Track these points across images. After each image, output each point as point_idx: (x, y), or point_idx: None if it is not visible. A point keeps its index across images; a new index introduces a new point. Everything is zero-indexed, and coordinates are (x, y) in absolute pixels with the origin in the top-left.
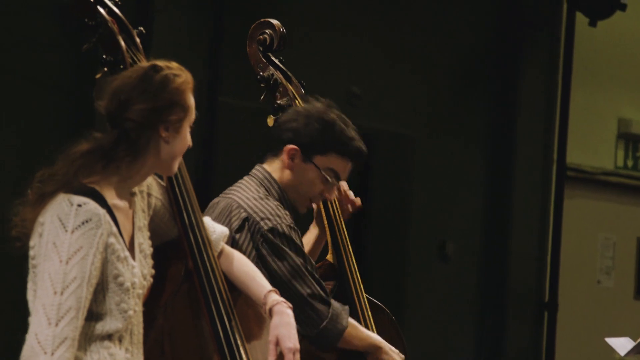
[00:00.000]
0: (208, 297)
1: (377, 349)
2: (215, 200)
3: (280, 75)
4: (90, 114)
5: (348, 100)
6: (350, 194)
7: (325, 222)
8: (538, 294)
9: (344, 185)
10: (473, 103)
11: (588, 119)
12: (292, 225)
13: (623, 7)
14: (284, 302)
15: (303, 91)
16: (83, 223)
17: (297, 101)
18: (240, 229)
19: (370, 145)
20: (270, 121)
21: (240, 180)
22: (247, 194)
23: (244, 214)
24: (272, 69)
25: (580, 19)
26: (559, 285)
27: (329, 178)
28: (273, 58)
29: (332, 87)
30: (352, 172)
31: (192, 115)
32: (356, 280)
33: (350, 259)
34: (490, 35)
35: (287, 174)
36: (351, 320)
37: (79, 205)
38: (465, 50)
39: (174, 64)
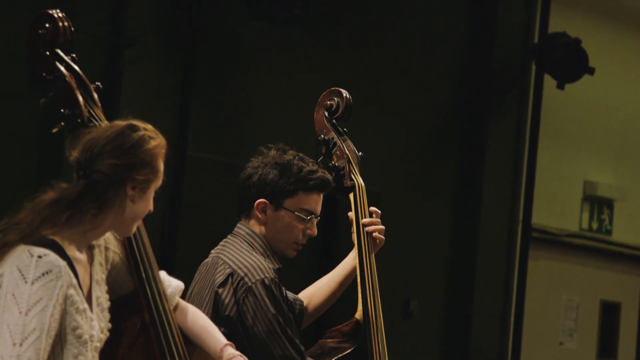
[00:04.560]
0: (164, 351)
1: None
2: (205, 260)
3: (340, 141)
4: (55, 165)
5: (315, 157)
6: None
7: (359, 281)
8: (501, 354)
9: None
10: (440, 162)
11: (554, 181)
12: (274, 278)
13: (591, 71)
14: (240, 356)
15: (359, 158)
16: (43, 274)
17: (352, 165)
18: (223, 284)
19: (336, 201)
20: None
21: (224, 239)
22: (232, 250)
23: (228, 270)
24: (333, 134)
25: (549, 81)
26: (522, 345)
27: (304, 217)
28: (337, 125)
29: (298, 144)
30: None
31: (160, 180)
32: (380, 343)
33: (377, 321)
34: (459, 95)
35: (265, 228)
36: None
37: (40, 257)
38: (433, 109)
39: (150, 127)
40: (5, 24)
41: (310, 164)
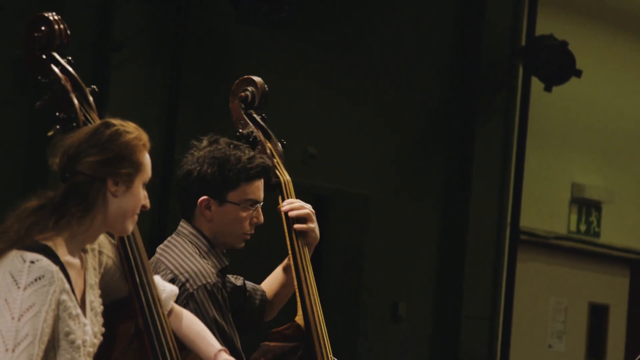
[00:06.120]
0: (158, 356)
1: None
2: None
3: (260, 134)
4: (43, 170)
5: (304, 160)
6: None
7: (295, 283)
8: (489, 357)
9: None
10: (428, 165)
11: (542, 183)
12: (217, 283)
13: (578, 74)
14: None
15: (281, 149)
16: (36, 280)
17: (275, 160)
18: None
19: (325, 204)
20: None
21: (169, 239)
22: (174, 253)
23: (170, 275)
24: (252, 127)
25: (536, 84)
26: (511, 348)
27: (249, 207)
28: (254, 115)
29: (288, 147)
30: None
31: (145, 173)
32: (323, 345)
33: (318, 322)
34: (447, 98)
35: (212, 224)
36: None
37: (32, 262)
38: (421, 112)
39: (130, 123)
40: None
41: (247, 151)
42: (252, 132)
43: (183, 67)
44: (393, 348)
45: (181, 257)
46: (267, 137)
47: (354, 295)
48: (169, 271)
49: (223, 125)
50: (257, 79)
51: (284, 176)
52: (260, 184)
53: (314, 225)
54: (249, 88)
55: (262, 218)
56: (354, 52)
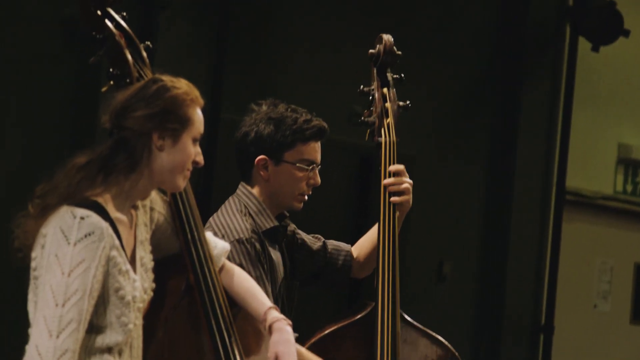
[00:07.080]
0: (208, 312)
1: None
2: None
3: (381, 92)
4: (91, 127)
5: (349, 118)
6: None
7: (378, 250)
8: (534, 317)
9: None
10: (473, 124)
11: (588, 144)
12: (250, 239)
13: (626, 33)
14: (284, 320)
15: (400, 110)
16: (86, 236)
17: (387, 120)
18: None
19: (370, 164)
20: (366, 136)
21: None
22: (221, 211)
23: (209, 230)
24: (375, 84)
25: (583, 44)
26: (556, 308)
27: (305, 167)
28: (388, 74)
29: (334, 106)
30: (353, 191)
31: (195, 129)
32: (387, 309)
33: (386, 290)
34: (492, 58)
35: (268, 184)
36: None
37: (82, 218)
38: (466, 72)
39: (181, 80)
40: None
41: (304, 114)
42: (372, 89)
43: (229, 25)
44: (438, 307)
45: (223, 215)
46: (389, 96)
47: (399, 255)
48: (210, 228)
49: (269, 84)
50: (386, 36)
51: (390, 137)
52: (317, 146)
53: (408, 197)
54: (377, 45)
55: (319, 180)
56: (398, 14)
